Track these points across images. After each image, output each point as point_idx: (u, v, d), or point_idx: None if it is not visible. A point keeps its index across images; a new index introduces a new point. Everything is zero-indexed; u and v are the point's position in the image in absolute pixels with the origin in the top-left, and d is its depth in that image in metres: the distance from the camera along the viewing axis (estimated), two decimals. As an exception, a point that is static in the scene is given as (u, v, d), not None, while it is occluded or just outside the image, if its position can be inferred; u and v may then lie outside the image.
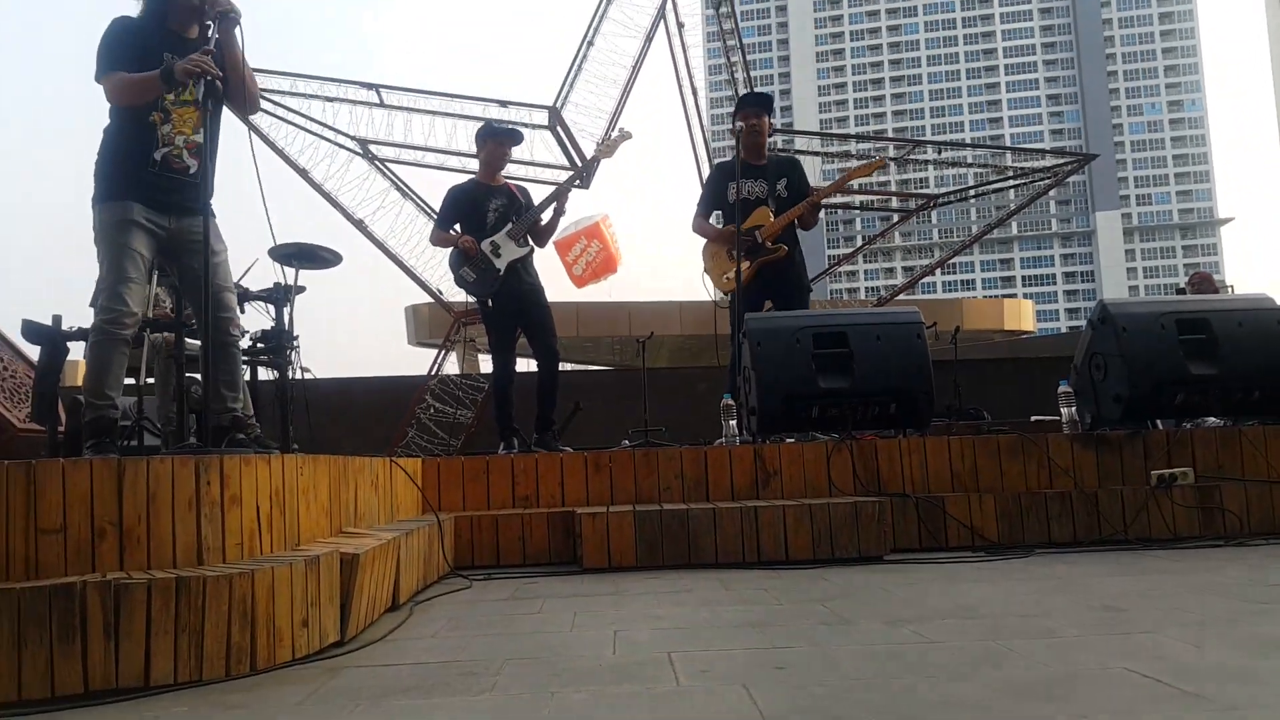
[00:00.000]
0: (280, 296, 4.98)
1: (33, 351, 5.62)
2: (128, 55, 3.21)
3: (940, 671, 1.89)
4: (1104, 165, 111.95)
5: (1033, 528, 4.03)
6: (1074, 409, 4.68)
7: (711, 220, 5.65)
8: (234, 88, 3.26)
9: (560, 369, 5.51)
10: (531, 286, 5.26)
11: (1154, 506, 4.02)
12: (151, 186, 3.22)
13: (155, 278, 4.14)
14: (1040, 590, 2.92)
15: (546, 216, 5.26)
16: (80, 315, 5.09)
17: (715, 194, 5.54)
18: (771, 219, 5.28)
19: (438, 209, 5.52)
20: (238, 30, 3.22)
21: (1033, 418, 6.32)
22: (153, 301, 4.60)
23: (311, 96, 9.44)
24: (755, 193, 5.36)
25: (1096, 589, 2.89)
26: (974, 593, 2.91)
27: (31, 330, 4.84)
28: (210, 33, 3.17)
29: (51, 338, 4.83)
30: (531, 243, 5.27)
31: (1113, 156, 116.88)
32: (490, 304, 5.21)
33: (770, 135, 5.63)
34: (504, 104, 9.39)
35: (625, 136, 5.63)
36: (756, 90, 5.68)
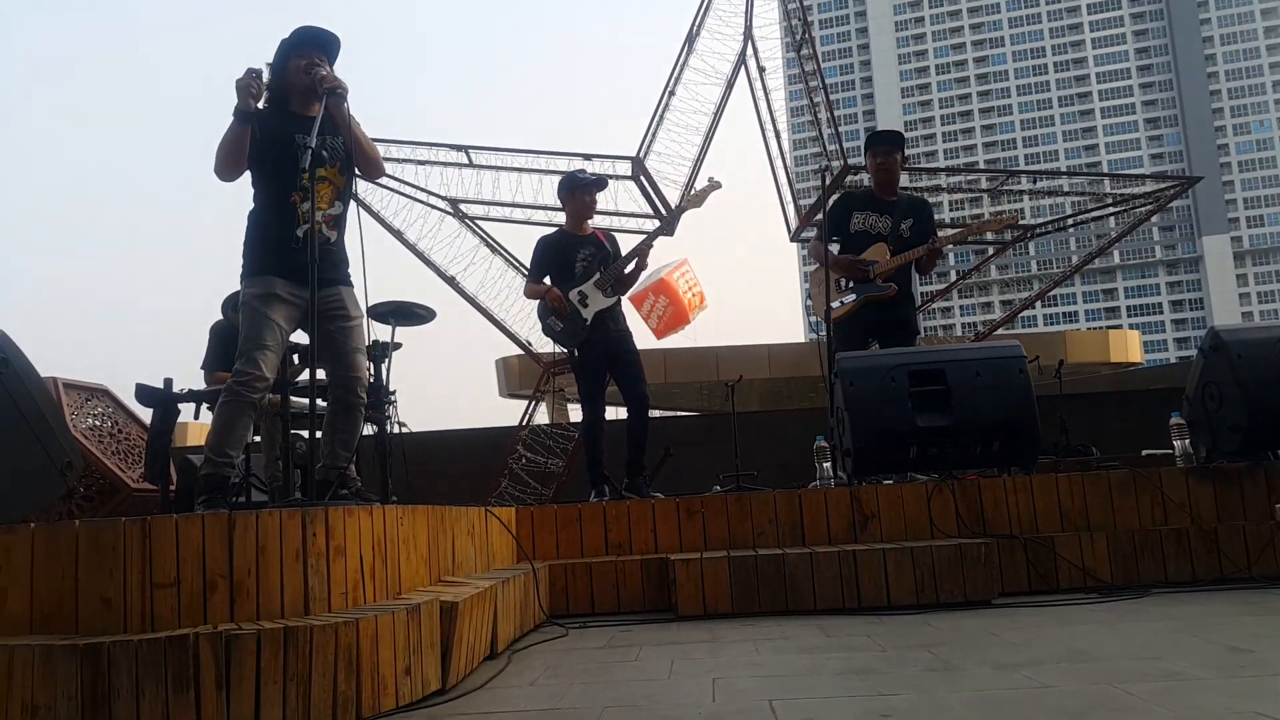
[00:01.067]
0: (379, 353, 5.14)
1: (145, 414, 5.90)
2: (259, 147, 3.39)
3: (1058, 717, 1.81)
4: (1209, 188, 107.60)
5: (1148, 567, 3.84)
6: (1188, 442, 4.48)
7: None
8: (357, 158, 3.44)
9: (650, 416, 5.52)
10: (620, 333, 5.29)
11: (1281, 543, 3.79)
12: (295, 262, 3.35)
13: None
14: (1159, 632, 2.78)
15: (629, 268, 5.31)
16: (191, 379, 5.34)
17: (838, 220, 5.44)
18: (888, 255, 5.21)
19: (527, 262, 5.61)
20: (345, 104, 3.37)
21: (1144, 452, 6.04)
22: None
23: (404, 161, 9.79)
24: (878, 228, 5.29)
25: (1220, 630, 2.73)
26: (1088, 635, 2.78)
27: (144, 393, 5.08)
28: (319, 108, 3.32)
29: (163, 400, 5.07)
30: (618, 295, 5.31)
31: (1218, 178, 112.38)
32: (577, 353, 5.26)
33: (903, 168, 5.56)
34: (588, 157, 9.56)
35: (715, 186, 5.62)
36: (889, 129, 5.62)
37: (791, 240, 10.92)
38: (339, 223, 3.50)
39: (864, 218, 5.31)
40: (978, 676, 2.24)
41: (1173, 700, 1.88)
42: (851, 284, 5.25)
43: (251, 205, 3.50)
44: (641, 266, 5.35)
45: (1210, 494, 4.09)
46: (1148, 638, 2.69)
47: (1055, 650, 2.56)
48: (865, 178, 5.41)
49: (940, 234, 5.44)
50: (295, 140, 3.37)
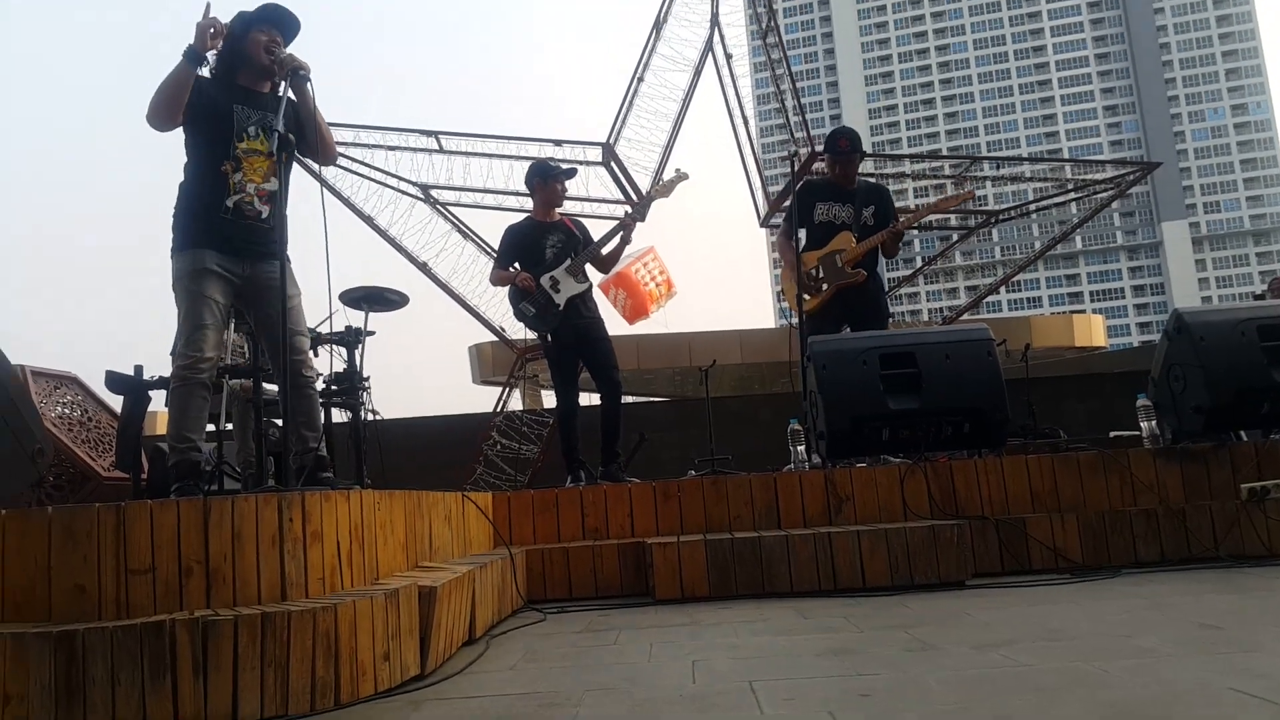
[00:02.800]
0: (351, 340, 5.10)
1: (115, 401, 5.81)
2: (196, 112, 3.32)
3: (1036, 695, 1.83)
4: (1168, 174, 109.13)
5: (1118, 547, 3.90)
6: (1154, 423, 4.55)
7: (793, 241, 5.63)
8: (309, 141, 3.37)
9: (624, 401, 5.52)
10: (591, 320, 5.28)
11: (1246, 522, 3.86)
12: (225, 233, 3.31)
13: (233, 325, 4.26)
14: (1131, 610, 2.83)
15: (608, 248, 5.30)
16: (161, 365, 5.27)
17: (802, 212, 5.50)
18: (853, 243, 5.25)
19: (497, 245, 5.58)
20: (309, 85, 3.32)
21: (1112, 434, 6.14)
22: (230, 349, 4.74)
23: (374, 146, 9.68)
24: (841, 217, 5.34)
25: (1190, 608, 2.78)
26: (1062, 615, 2.83)
27: (115, 380, 5.01)
28: (283, 90, 3.27)
29: (134, 387, 4.99)
30: (590, 279, 5.30)
31: (1176, 165, 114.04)
32: (550, 338, 5.25)
33: (862, 158, 5.61)
34: (558, 143, 9.52)
35: (682, 177, 5.63)
36: (846, 129, 5.64)
37: (761, 225, 10.97)
38: (274, 199, 3.40)
39: (827, 207, 5.36)
40: (955, 656, 2.27)
41: (1146, 676, 1.91)
42: (822, 274, 5.28)
43: (182, 177, 3.42)
44: (626, 241, 5.33)
45: (1177, 474, 4.16)
46: (1120, 616, 2.74)
47: (1030, 629, 2.60)
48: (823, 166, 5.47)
49: (902, 217, 5.48)
50: (235, 112, 3.33)
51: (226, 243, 3.32)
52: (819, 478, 4.25)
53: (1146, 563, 3.86)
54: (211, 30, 3.24)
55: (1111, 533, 3.91)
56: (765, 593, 3.63)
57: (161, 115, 3.27)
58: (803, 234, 5.51)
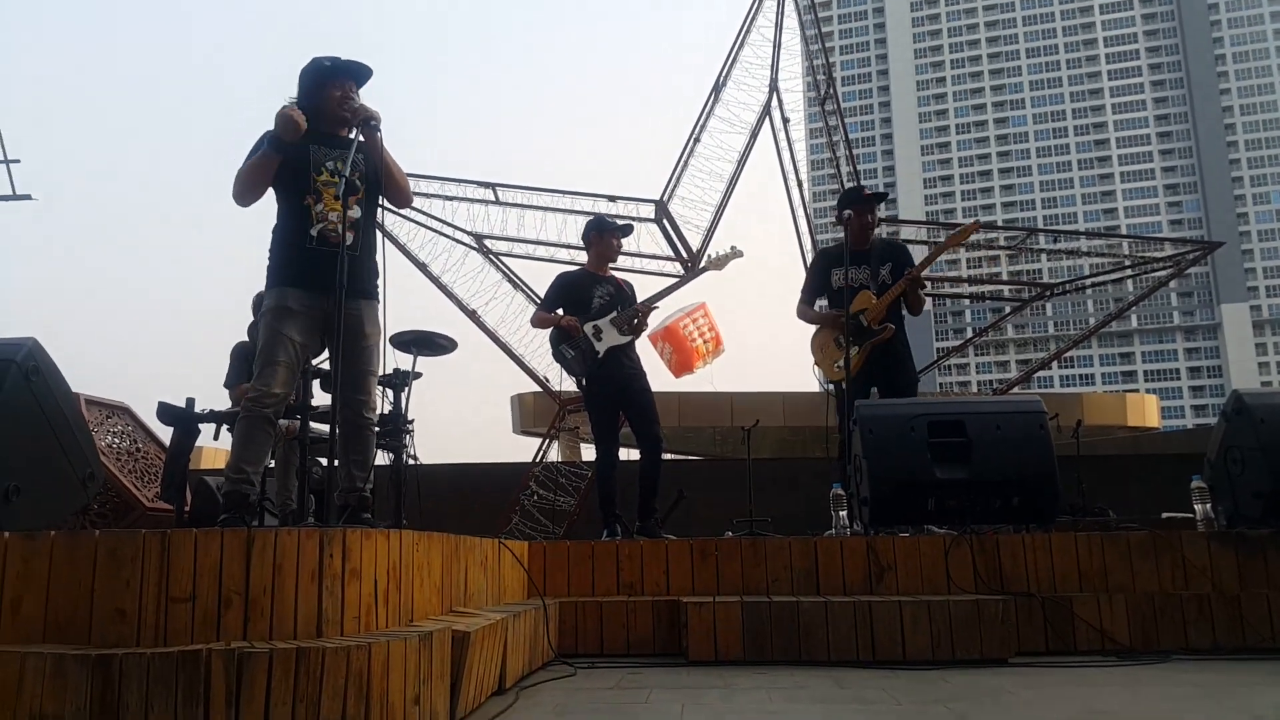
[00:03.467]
0: (400, 381, 5.16)
1: (165, 433, 5.92)
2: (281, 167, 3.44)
3: (1078, 779, 1.77)
4: (1229, 255, 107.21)
5: (1168, 632, 3.78)
6: (1209, 506, 4.42)
7: (816, 308, 5.61)
8: (385, 185, 3.48)
9: (663, 458, 5.49)
10: (633, 372, 5.27)
11: (1305, 613, 3.72)
12: (310, 266, 3.39)
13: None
14: (1181, 697, 2.73)
15: (637, 320, 5.31)
16: (215, 398, 5.38)
17: (819, 280, 5.52)
18: (873, 301, 5.22)
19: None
20: (379, 134, 3.43)
21: (1164, 515, 5.98)
22: None
23: (433, 196, 9.91)
24: (859, 279, 5.30)
25: (1243, 699, 2.68)
26: (1108, 697, 2.73)
27: (165, 412, 5.10)
28: (355, 135, 3.38)
29: (184, 419, 5.08)
30: (634, 333, 5.29)
31: (1238, 246, 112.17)
32: (589, 386, 5.25)
33: (875, 224, 5.59)
34: (612, 199, 9.65)
35: (737, 254, 5.65)
36: (869, 189, 5.64)
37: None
38: (359, 228, 3.49)
39: (843, 272, 5.30)
40: (997, 733, 2.20)
41: (1199, 765, 1.84)
42: (851, 339, 5.23)
43: (275, 222, 3.56)
44: (651, 308, 5.34)
45: (1233, 560, 4.03)
46: (1169, 702, 2.64)
47: (1074, 710, 2.51)
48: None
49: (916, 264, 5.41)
50: (311, 151, 3.45)
51: (311, 278, 3.39)
52: (861, 544, 4.18)
53: (1198, 650, 3.72)
54: (298, 125, 3.36)
55: (1161, 616, 3.79)
56: (801, 660, 3.56)
57: (247, 197, 3.44)
58: (824, 303, 5.51)
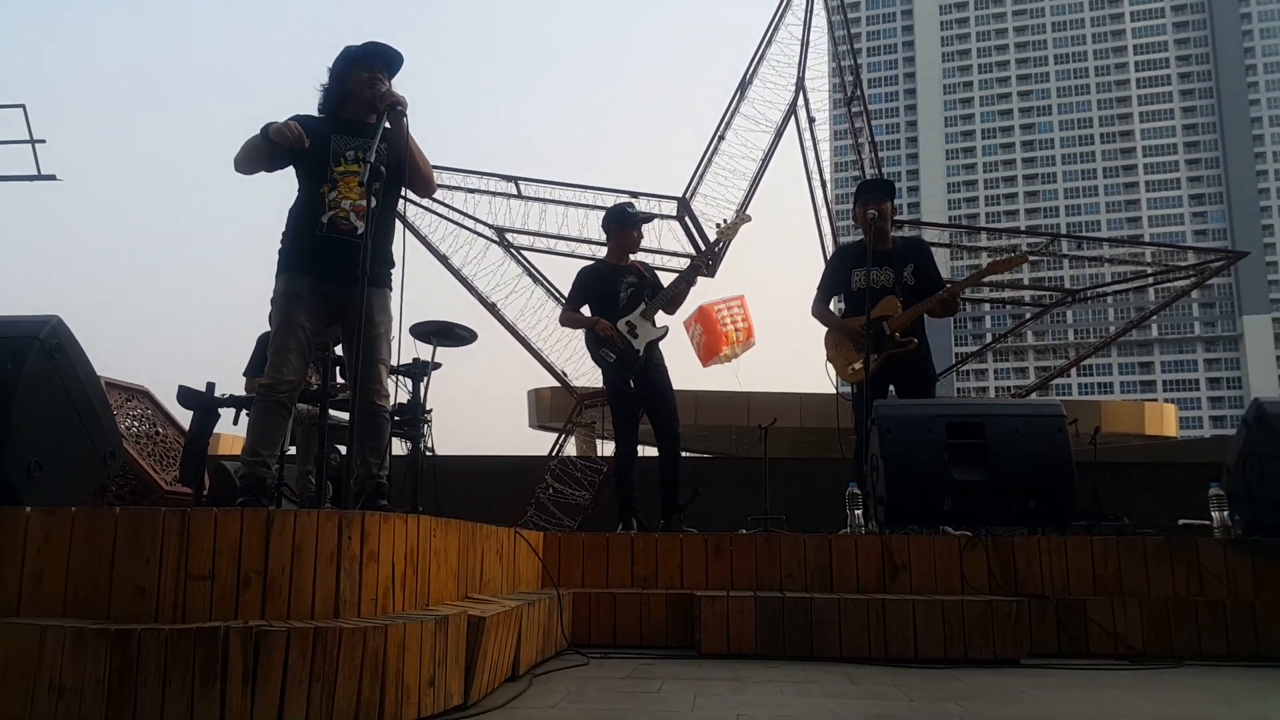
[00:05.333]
0: (418, 372, 5.18)
1: (184, 417, 5.97)
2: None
3: (1091, 777, 1.76)
4: (1252, 266, 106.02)
5: (1181, 638, 3.75)
6: (1226, 513, 4.39)
7: (831, 306, 5.54)
8: (409, 173, 3.50)
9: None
10: (658, 369, 5.27)
11: (1323, 623, 3.69)
12: (320, 252, 3.42)
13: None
14: (1192, 701, 2.71)
15: (679, 290, 5.28)
16: (234, 384, 5.42)
17: (837, 279, 5.41)
18: (899, 309, 5.09)
19: (567, 291, 5.62)
20: (405, 120, 3.44)
21: (1181, 521, 5.93)
22: None
23: (455, 188, 9.93)
24: (881, 280, 5.17)
25: (1255, 705, 2.66)
26: (1119, 700, 2.72)
27: (186, 395, 5.15)
28: (381, 121, 3.39)
29: (204, 403, 5.12)
30: (664, 322, 5.29)
31: (1263, 257, 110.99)
32: (632, 384, 5.21)
33: (898, 226, 5.52)
34: (635, 195, 9.61)
35: (745, 219, 5.62)
36: (878, 177, 5.60)
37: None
38: (377, 220, 3.46)
39: (865, 272, 5.17)
40: (1009, 731, 2.20)
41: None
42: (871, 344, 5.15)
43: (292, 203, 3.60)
44: (691, 283, 5.29)
45: (1249, 567, 4.00)
46: (1180, 706, 2.63)
47: (1085, 711, 2.51)
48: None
49: (951, 280, 5.32)
50: (332, 140, 3.47)
51: (322, 264, 3.43)
52: (875, 543, 4.18)
53: (1212, 656, 3.70)
54: (288, 139, 3.39)
55: (1175, 622, 3.77)
56: (813, 655, 3.56)
57: (242, 170, 3.49)
58: (839, 305, 5.46)
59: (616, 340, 5.13)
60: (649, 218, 5.57)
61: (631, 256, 5.51)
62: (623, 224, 5.41)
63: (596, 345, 5.23)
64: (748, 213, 5.61)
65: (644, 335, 5.16)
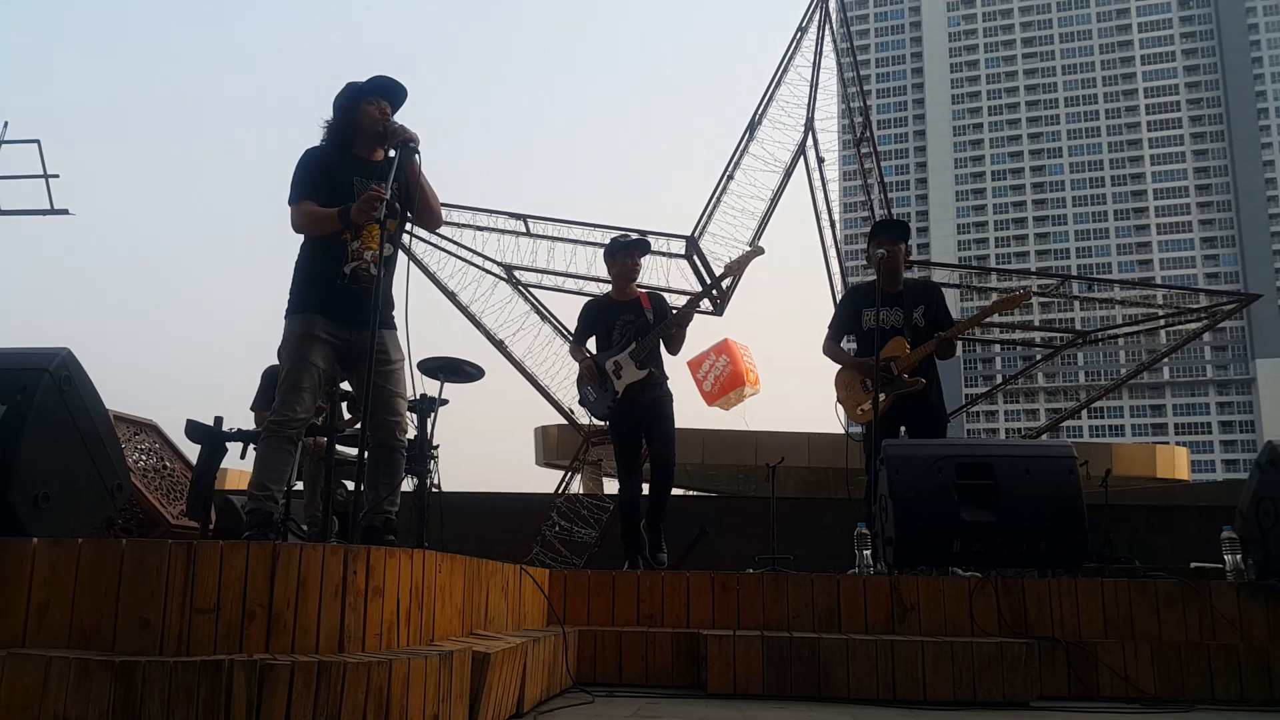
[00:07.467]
0: (426, 407, 5.19)
1: (191, 451, 5.99)
2: (319, 183, 3.50)
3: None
4: (1266, 309, 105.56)
5: (1193, 682, 3.71)
6: (1239, 557, 4.34)
7: (843, 345, 5.55)
8: (417, 207, 3.52)
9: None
10: (653, 400, 5.16)
11: (1339, 670, 3.64)
12: (339, 300, 3.44)
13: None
14: (1210, 750, 2.67)
15: (675, 330, 5.19)
16: (243, 420, 5.44)
17: (848, 319, 5.44)
18: (907, 350, 5.11)
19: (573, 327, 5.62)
20: (417, 156, 3.48)
21: (1193, 565, 5.88)
22: None
23: (464, 226, 10.01)
24: (891, 321, 5.20)
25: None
26: (1134, 747, 2.68)
27: (194, 430, 5.17)
28: (392, 155, 3.42)
29: (212, 438, 5.15)
30: (655, 363, 5.21)
31: (1275, 300, 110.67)
32: (610, 422, 5.27)
33: (909, 267, 5.54)
34: (644, 233, 9.68)
35: (758, 252, 5.56)
36: (892, 218, 5.62)
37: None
38: (389, 265, 3.53)
39: (875, 313, 5.17)
40: (1018, 776, 2.17)
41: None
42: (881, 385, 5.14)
43: (301, 240, 3.59)
44: (687, 320, 5.22)
45: (1263, 612, 3.95)
46: (1196, 754, 2.58)
47: (1099, 758, 2.47)
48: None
49: (956, 320, 5.33)
50: (355, 184, 3.47)
51: (338, 309, 3.45)
52: (884, 584, 4.15)
53: (1224, 701, 3.65)
54: (374, 213, 3.31)
55: (1187, 666, 3.72)
56: (821, 696, 3.53)
57: (307, 232, 3.53)
58: (853, 345, 5.46)
59: (596, 380, 5.16)
60: (645, 245, 5.52)
61: (637, 288, 5.46)
62: (615, 252, 5.37)
63: (581, 384, 5.31)
64: (759, 245, 5.59)
65: (626, 377, 5.10)
